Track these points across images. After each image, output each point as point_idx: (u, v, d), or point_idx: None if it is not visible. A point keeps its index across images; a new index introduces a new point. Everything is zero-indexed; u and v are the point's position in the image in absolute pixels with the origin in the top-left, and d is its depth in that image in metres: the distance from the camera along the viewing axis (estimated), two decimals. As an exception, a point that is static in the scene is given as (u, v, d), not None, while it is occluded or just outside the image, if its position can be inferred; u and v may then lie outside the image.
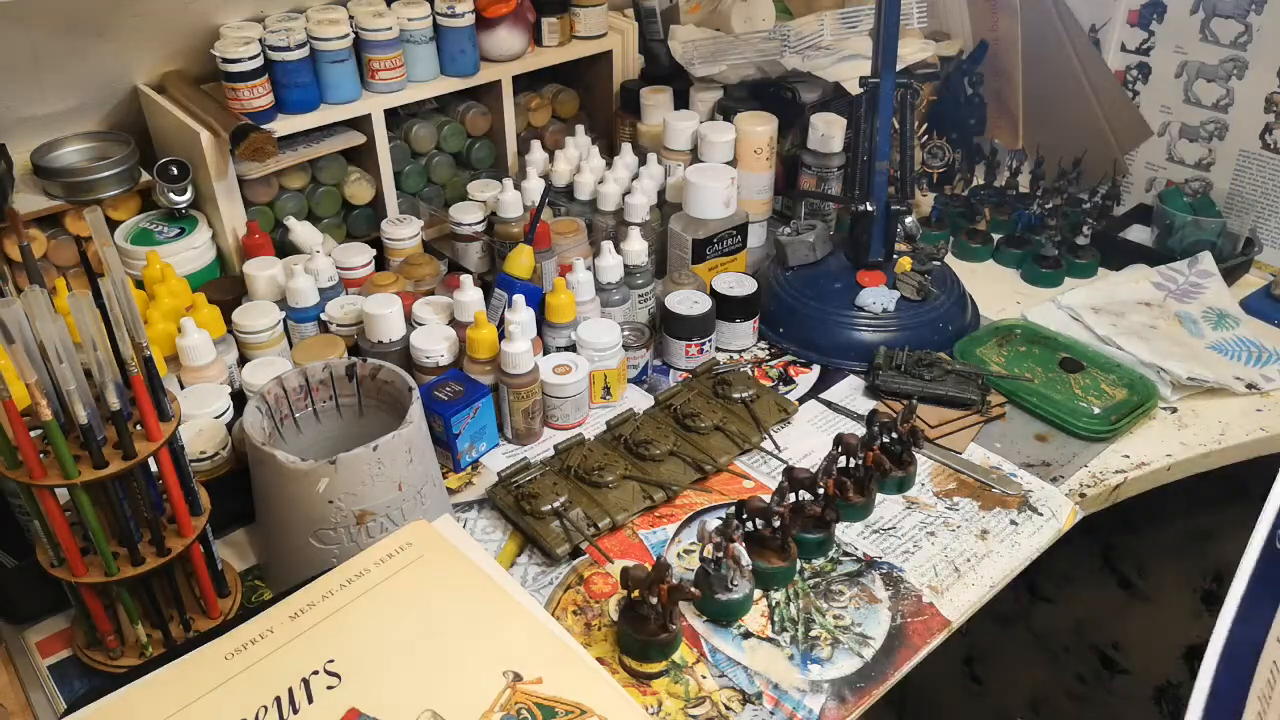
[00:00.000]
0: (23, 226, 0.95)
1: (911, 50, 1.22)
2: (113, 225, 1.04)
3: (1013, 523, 0.87)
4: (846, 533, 0.86)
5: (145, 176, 1.04)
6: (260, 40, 1.02)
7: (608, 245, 1.05)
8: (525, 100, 1.27)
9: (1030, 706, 1.29)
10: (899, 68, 1.03)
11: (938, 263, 1.13)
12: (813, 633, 0.77)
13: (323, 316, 1.00)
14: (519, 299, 0.95)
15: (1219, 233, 1.21)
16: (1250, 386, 1.03)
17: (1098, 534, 1.12)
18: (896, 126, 1.07)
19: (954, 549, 0.85)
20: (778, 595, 0.81)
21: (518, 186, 1.11)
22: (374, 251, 1.06)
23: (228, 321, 0.96)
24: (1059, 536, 0.87)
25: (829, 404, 1.03)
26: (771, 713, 0.71)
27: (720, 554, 0.77)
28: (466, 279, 0.97)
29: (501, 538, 0.86)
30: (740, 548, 0.79)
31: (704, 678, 0.74)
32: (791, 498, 0.83)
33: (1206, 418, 1.00)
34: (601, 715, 0.62)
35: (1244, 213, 1.26)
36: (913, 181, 1.13)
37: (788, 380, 1.06)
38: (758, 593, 0.80)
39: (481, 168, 1.26)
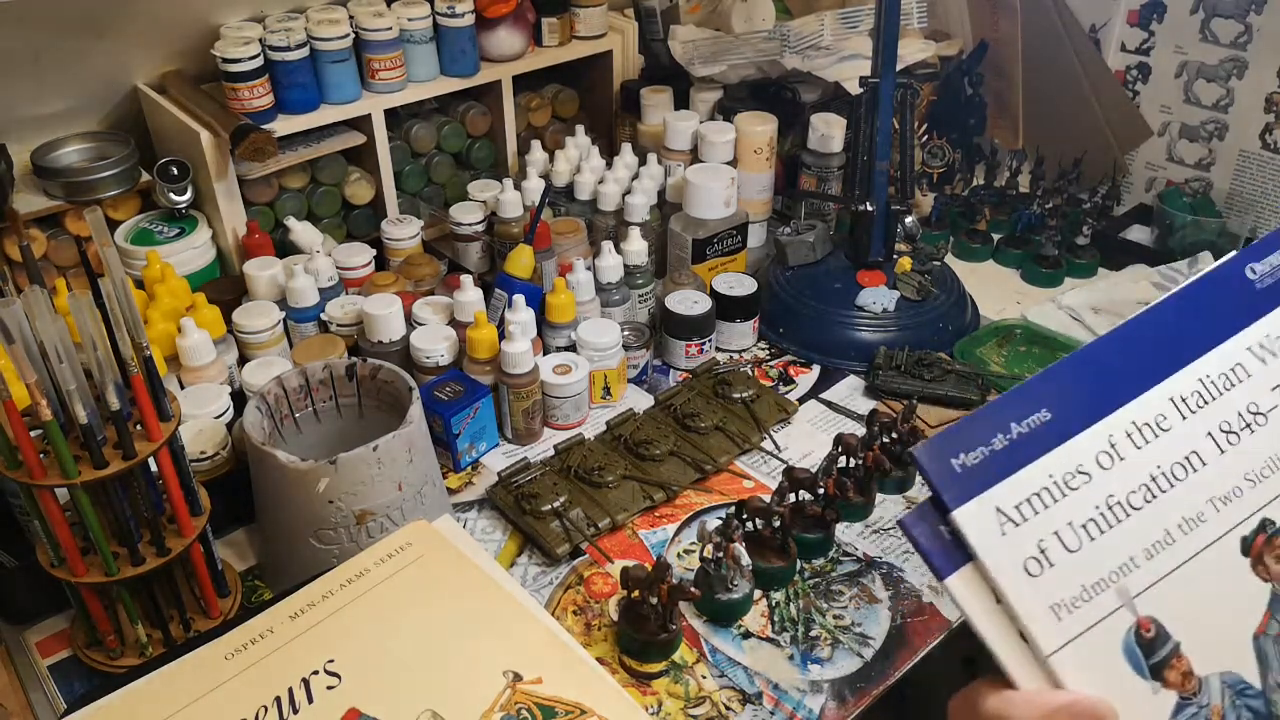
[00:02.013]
0: (23, 226, 0.95)
1: (911, 50, 1.22)
2: (113, 225, 1.04)
3: (1013, 523, 0.87)
4: (846, 533, 0.86)
5: (145, 176, 1.04)
6: (260, 40, 1.02)
7: (608, 245, 1.05)
8: (525, 100, 1.27)
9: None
10: (899, 68, 1.03)
11: (938, 263, 1.13)
12: (813, 633, 0.77)
13: (323, 316, 1.00)
14: (519, 299, 0.95)
15: (1219, 233, 1.21)
16: (1250, 386, 1.03)
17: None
18: (896, 126, 1.07)
19: (954, 549, 0.85)
20: (778, 595, 0.81)
21: (518, 186, 1.11)
22: (374, 251, 1.06)
23: (228, 321, 0.95)
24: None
25: (829, 404, 1.03)
26: (771, 713, 0.71)
27: (720, 554, 0.77)
28: (466, 279, 0.97)
29: (501, 538, 0.86)
30: (740, 548, 0.79)
31: (704, 678, 0.74)
32: (791, 498, 0.83)
33: (1206, 418, 1.00)
34: (601, 715, 0.62)
35: (1244, 213, 1.26)
36: (913, 181, 1.13)
37: (788, 380, 1.06)
38: (758, 593, 0.80)
39: (481, 168, 1.26)
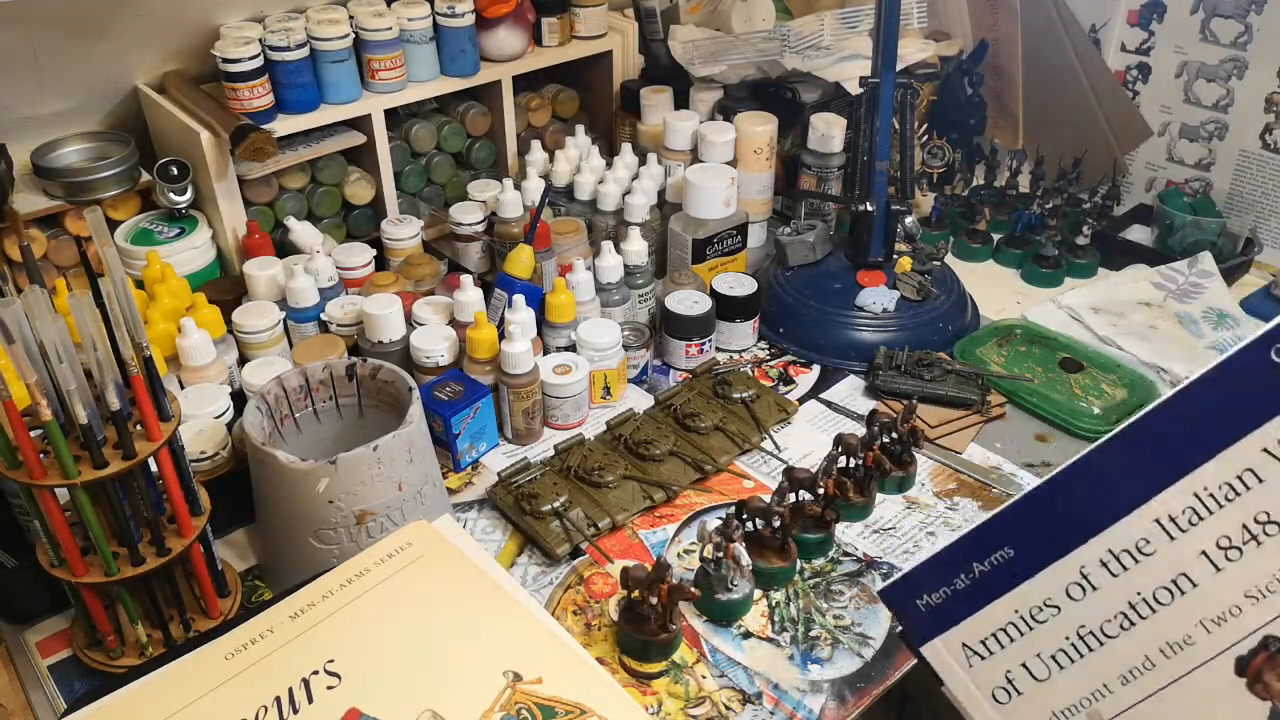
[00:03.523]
0: (23, 226, 0.95)
1: (911, 50, 1.22)
2: (113, 225, 1.04)
3: (1013, 523, 0.87)
4: (846, 533, 0.86)
5: (145, 176, 1.04)
6: (260, 40, 1.02)
7: (608, 245, 1.05)
8: (525, 100, 1.27)
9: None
10: (899, 68, 1.03)
11: (938, 263, 1.13)
12: (813, 633, 0.77)
13: (323, 316, 1.00)
14: (519, 299, 0.95)
15: (1219, 233, 1.21)
16: (1250, 386, 1.03)
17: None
18: (896, 126, 1.07)
19: (954, 549, 0.85)
20: (778, 595, 0.81)
21: (518, 186, 1.11)
22: (374, 251, 1.06)
23: (228, 321, 0.95)
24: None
25: (829, 404, 1.03)
26: (771, 713, 0.71)
27: (720, 554, 0.77)
28: (466, 279, 0.97)
29: (501, 538, 0.86)
30: (740, 548, 0.79)
31: (704, 678, 0.74)
32: (791, 498, 0.83)
33: (1206, 418, 1.00)
34: (601, 715, 0.62)
35: (1244, 213, 1.26)
36: (913, 181, 1.13)
37: (788, 380, 1.06)
38: (758, 593, 0.80)
39: (481, 168, 1.26)
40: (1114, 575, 0.46)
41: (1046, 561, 0.47)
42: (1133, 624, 0.46)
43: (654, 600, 0.73)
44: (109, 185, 1.01)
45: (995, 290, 1.21)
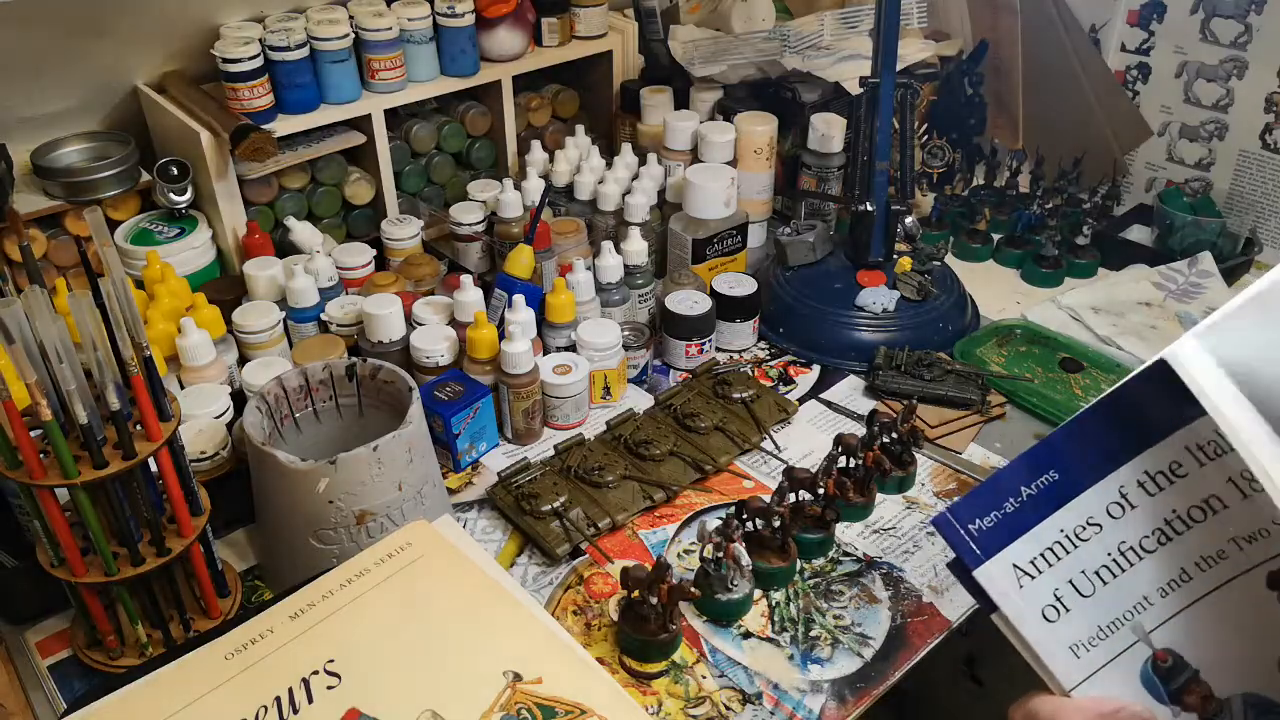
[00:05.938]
0: (23, 226, 0.95)
1: (911, 50, 1.22)
2: (113, 225, 1.04)
3: (1013, 523, 0.87)
4: (846, 533, 0.86)
5: (145, 176, 1.04)
6: (260, 40, 1.02)
7: (608, 245, 1.05)
8: (525, 100, 1.27)
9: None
10: (899, 68, 1.03)
11: (938, 263, 1.13)
12: (813, 633, 0.77)
13: (323, 316, 1.00)
14: (519, 299, 0.95)
15: (1219, 233, 1.21)
16: (1250, 386, 1.03)
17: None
18: (896, 126, 1.07)
19: (954, 549, 0.85)
20: (778, 595, 0.81)
21: (518, 186, 1.11)
22: (374, 251, 1.06)
23: (228, 321, 0.95)
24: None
25: (829, 404, 1.03)
26: (771, 713, 0.71)
27: (720, 554, 0.77)
28: (466, 279, 0.97)
29: (501, 538, 0.86)
30: (740, 548, 0.79)
31: (704, 678, 0.74)
32: (791, 498, 0.83)
33: (1206, 418, 1.00)
34: (601, 715, 0.62)
35: (1244, 213, 1.26)
36: (913, 181, 1.13)
37: (788, 380, 1.06)
38: (758, 593, 0.80)
39: (481, 168, 1.26)
40: (1150, 495, 0.49)
41: (1089, 483, 0.50)
42: (1169, 539, 0.49)
43: (654, 600, 0.73)
44: (109, 185, 1.01)
45: (995, 290, 1.21)
